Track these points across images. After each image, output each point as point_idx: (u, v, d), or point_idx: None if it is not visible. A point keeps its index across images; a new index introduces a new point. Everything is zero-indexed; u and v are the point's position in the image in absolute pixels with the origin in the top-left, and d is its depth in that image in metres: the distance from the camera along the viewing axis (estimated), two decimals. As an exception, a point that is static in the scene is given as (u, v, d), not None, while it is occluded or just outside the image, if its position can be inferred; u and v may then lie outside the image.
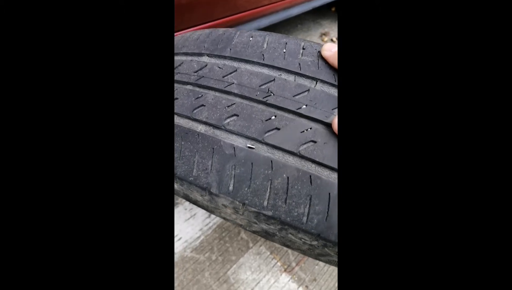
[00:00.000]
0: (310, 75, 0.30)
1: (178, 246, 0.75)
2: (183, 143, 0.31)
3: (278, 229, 0.29)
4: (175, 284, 0.67)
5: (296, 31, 1.98)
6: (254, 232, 0.41)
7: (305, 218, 0.27)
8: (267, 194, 0.27)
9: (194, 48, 0.35)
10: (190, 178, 0.30)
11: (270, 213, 0.27)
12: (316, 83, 0.30)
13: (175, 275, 0.69)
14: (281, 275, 0.73)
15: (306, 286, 0.71)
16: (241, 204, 0.28)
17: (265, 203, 0.27)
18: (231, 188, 0.28)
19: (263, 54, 0.32)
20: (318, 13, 2.15)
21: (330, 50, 0.30)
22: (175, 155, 0.31)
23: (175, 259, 0.73)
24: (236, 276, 0.71)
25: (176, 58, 0.37)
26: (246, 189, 0.28)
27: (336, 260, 0.31)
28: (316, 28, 2.01)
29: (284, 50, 0.31)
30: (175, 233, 0.78)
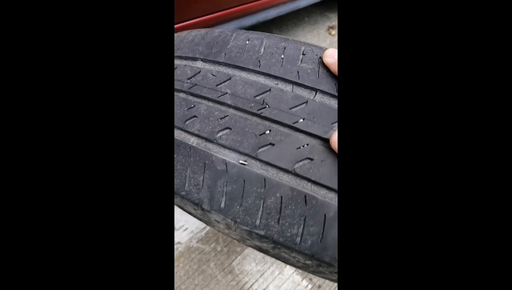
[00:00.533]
0: (309, 85, 0.27)
1: (184, 237, 0.77)
2: (175, 156, 0.30)
3: (271, 247, 0.28)
4: (181, 274, 0.69)
5: (303, 24, 1.91)
6: (248, 245, 0.41)
7: (298, 239, 0.26)
8: (260, 213, 0.26)
9: (188, 52, 0.33)
10: (182, 193, 0.29)
11: (262, 233, 0.26)
12: (316, 94, 0.27)
13: (181, 265, 0.71)
14: (285, 267, 0.74)
15: (310, 279, 0.72)
16: (233, 222, 0.27)
17: (257, 222, 0.26)
18: (222, 205, 0.27)
19: (259, 61, 0.29)
20: (325, 6, 2.07)
21: (333, 56, 0.28)
22: None
23: (181, 249, 0.75)
24: (241, 267, 0.73)
25: None
26: (237, 207, 0.27)
27: (332, 277, 0.30)
28: (323, 21, 1.94)
29: (282, 56, 0.29)
30: (182, 224, 0.80)
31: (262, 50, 0.30)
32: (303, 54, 0.29)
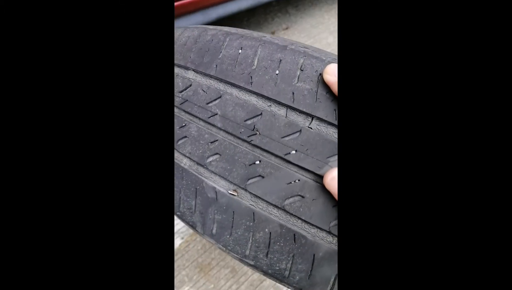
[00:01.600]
0: (304, 110, 0.24)
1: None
2: None
3: (262, 274, 0.28)
4: (198, 247, 0.75)
5: (321, 3, 1.72)
6: None
7: (287, 273, 0.25)
8: (249, 245, 0.26)
9: (180, 58, 0.31)
10: (178, 213, 0.29)
11: (252, 263, 0.26)
12: (312, 120, 0.24)
13: (198, 239, 0.76)
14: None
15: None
16: (224, 248, 0.27)
17: (247, 252, 0.26)
18: (214, 231, 0.27)
19: (251, 77, 0.26)
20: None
21: (334, 74, 0.23)
22: None
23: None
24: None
25: None
26: (228, 236, 0.26)
27: None
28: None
29: (277, 72, 0.25)
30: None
31: (255, 63, 0.26)
32: (301, 69, 0.25)
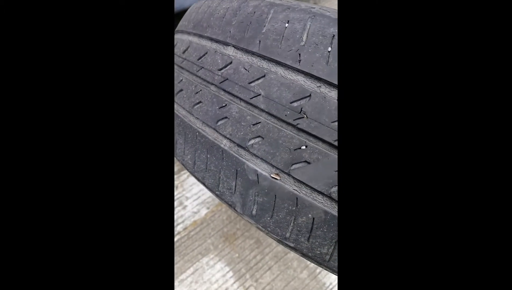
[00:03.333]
0: None
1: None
2: (208, 156, 0.29)
3: (301, 255, 0.28)
4: (224, 218, 0.77)
5: None
6: None
7: (328, 257, 0.25)
8: (290, 228, 0.26)
9: (219, 33, 0.29)
10: (217, 192, 0.29)
11: (292, 245, 0.26)
12: None
13: (223, 209, 0.79)
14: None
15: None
16: (263, 229, 0.27)
17: (288, 234, 0.26)
18: (254, 212, 0.27)
19: (299, 54, 0.24)
20: None
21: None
22: (202, 166, 0.30)
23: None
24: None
25: (201, 42, 0.31)
26: (268, 218, 0.26)
27: None
28: None
29: (329, 49, 0.23)
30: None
31: (304, 38, 0.24)
32: None
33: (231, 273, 0.68)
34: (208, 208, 0.78)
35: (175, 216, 0.75)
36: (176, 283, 0.65)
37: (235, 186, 0.27)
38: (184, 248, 0.68)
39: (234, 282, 0.66)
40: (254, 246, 0.71)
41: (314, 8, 0.26)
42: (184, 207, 0.76)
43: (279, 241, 0.27)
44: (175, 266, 0.66)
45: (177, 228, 0.72)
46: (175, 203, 0.78)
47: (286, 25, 0.25)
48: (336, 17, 0.24)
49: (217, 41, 0.29)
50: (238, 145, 0.27)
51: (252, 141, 0.26)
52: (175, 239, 0.71)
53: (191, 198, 0.77)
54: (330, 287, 0.66)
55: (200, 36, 0.31)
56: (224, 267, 0.69)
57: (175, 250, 0.69)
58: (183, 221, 0.73)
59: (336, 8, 0.26)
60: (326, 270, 0.27)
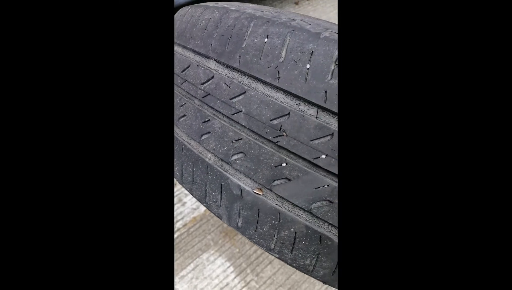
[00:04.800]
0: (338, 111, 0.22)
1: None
2: (194, 169, 0.29)
3: (287, 264, 0.29)
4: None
5: None
6: None
7: (311, 268, 0.26)
8: (274, 240, 0.26)
9: (201, 45, 0.28)
10: (205, 204, 0.30)
11: (276, 256, 0.27)
12: None
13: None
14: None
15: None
16: (250, 240, 0.28)
17: (272, 246, 0.27)
18: (240, 225, 0.28)
19: (278, 71, 0.24)
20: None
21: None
22: (189, 178, 0.30)
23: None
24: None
25: (184, 54, 0.31)
26: (253, 231, 0.27)
27: None
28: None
29: (308, 66, 0.23)
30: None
31: (283, 55, 0.24)
32: (336, 64, 0.22)
33: (231, 268, 0.70)
34: (207, 204, 0.79)
35: (174, 213, 0.77)
36: (176, 279, 0.67)
37: (221, 200, 0.28)
38: (184, 245, 0.70)
39: (235, 277, 0.68)
40: (252, 242, 0.72)
41: (295, 20, 0.25)
42: (183, 204, 0.77)
43: (266, 251, 0.28)
44: (175, 263, 0.68)
45: (177, 225, 0.74)
46: (174, 200, 0.79)
47: (266, 40, 0.25)
48: (316, 31, 0.24)
49: (199, 54, 0.29)
50: (222, 160, 0.27)
51: (235, 157, 0.26)
52: (175, 235, 0.73)
53: (190, 195, 0.78)
54: (328, 279, 0.68)
55: (184, 47, 0.31)
56: (225, 262, 0.71)
57: (175, 246, 0.71)
58: (182, 218, 0.75)
59: (318, 17, 0.25)
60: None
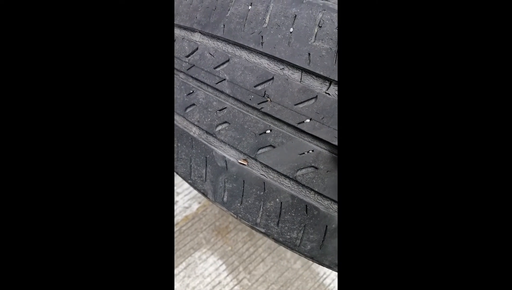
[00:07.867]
0: (321, 73, 0.22)
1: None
2: (179, 144, 0.29)
3: (274, 241, 0.28)
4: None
5: None
6: None
7: (298, 241, 0.25)
8: (260, 213, 0.25)
9: (186, 19, 0.28)
10: (189, 181, 0.29)
11: (263, 231, 0.26)
12: (330, 85, 0.22)
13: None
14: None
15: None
16: (235, 215, 0.27)
17: (258, 220, 0.26)
18: (225, 199, 0.27)
19: (262, 36, 0.24)
20: None
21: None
22: (174, 155, 0.29)
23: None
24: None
25: None
26: (238, 204, 0.26)
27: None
28: None
29: (291, 30, 0.23)
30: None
31: (266, 20, 0.24)
32: (319, 26, 0.22)
33: (224, 266, 0.68)
34: (199, 202, 0.78)
35: (167, 212, 0.75)
36: (167, 277, 0.65)
37: (206, 174, 0.27)
38: (176, 243, 0.68)
39: (228, 275, 0.66)
40: (247, 239, 0.71)
41: None
42: (175, 203, 0.76)
43: (252, 227, 0.27)
44: (166, 261, 0.66)
45: (169, 223, 0.72)
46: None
47: (250, 7, 0.25)
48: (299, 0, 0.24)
49: (184, 28, 0.29)
50: (207, 132, 0.26)
51: (219, 127, 0.25)
52: (167, 234, 0.71)
53: (182, 193, 0.77)
54: (324, 276, 0.66)
55: None
56: (217, 260, 0.69)
57: (167, 244, 0.69)
58: (174, 217, 0.73)
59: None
60: (299, 255, 0.27)
